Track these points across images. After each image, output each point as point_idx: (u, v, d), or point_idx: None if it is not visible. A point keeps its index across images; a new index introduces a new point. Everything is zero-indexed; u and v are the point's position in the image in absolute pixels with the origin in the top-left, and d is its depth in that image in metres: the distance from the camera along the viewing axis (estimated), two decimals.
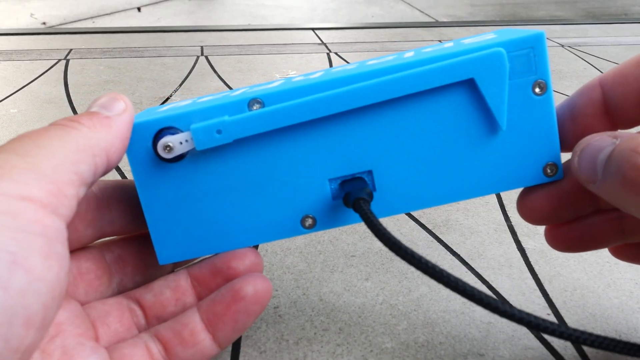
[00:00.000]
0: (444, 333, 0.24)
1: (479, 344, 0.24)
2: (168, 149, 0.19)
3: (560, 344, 0.24)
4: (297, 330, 0.24)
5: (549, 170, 0.21)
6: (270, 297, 0.20)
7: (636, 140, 0.17)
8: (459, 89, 0.20)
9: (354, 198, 0.20)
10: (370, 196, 0.20)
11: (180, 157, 0.20)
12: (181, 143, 0.19)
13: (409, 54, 0.21)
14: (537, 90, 0.20)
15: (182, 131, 0.19)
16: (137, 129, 0.19)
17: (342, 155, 0.20)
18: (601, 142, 0.18)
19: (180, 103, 0.22)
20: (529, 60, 0.20)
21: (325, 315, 0.25)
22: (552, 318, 0.25)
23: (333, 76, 0.20)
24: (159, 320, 0.21)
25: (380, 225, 0.18)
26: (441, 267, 0.18)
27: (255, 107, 0.20)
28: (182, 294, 0.21)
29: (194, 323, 0.20)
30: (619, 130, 0.18)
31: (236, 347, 0.23)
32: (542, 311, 0.26)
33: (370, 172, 0.21)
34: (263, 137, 0.20)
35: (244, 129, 0.19)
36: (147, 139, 0.20)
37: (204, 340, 0.19)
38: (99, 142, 0.17)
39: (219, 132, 0.19)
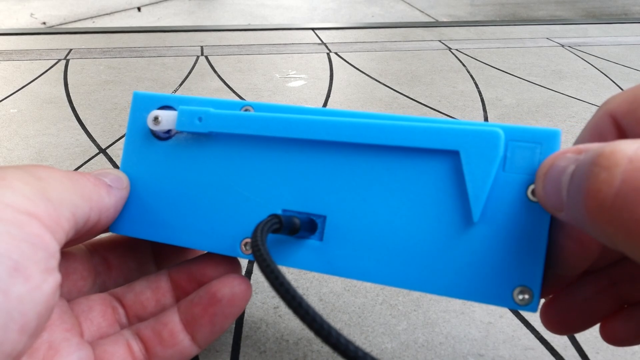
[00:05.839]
0: (444, 333, 0.24)
1: (479, 344, 0.24)
2: (156, 120, 0.21)
3: (560, 344, 0.24)
4: (297, 330, 0.24)
5: (519, 297, 0.17)
6: (248, 298, 0.20)
7: (597, 151, 0.13)
8: (441, 159, 0.18)
9: (261, 222, 0.17)
10: (281, 224, 0.18)
11: (166, 138, 0.21)
12: (168, 120, 0.21)
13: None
14: (532, 194, 0.17)
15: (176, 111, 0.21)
16: (143, 99, 0.22)
17: (304, 189, 0.20)
18: (564, 160, 0.15)
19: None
20: (533, 157, 0.17)
21: (325, 315, 0.25)
22: None
23: (329, 110, 0.20)
24: (139, 319, 0.21)
25: (270, 259, 0.16)
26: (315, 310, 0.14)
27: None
28: (163, 295, 0.21)
29: (174, 323, 0.20)
30: (587, 144, 0.15)
31: (236, 347, 0.23)
32: None
33: (324, 219, 0.19)
34: (238, 145, 0.20)
35: (221, 124, 0.20)
36: (149, 110, 0.21)
37: (183, 340, 0.20)
38: (98, 200, 0.19)
39: (200, 119, 0.20)
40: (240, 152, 0.20)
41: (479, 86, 0.60)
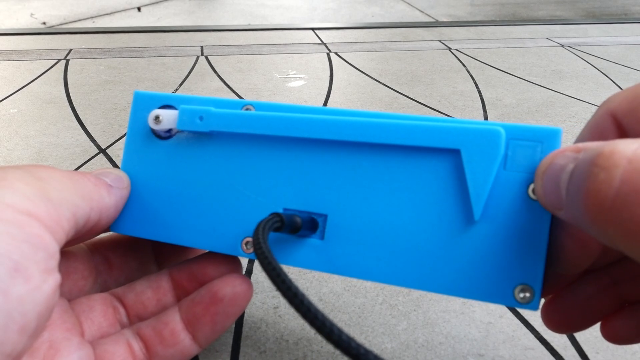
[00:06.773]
0: (444, 333, 0.24)
1: (478, 344, 0.24)
2: (157, 119, 0.21)
3: (560, 344, 0.24)
4: (297, 330, 0.24)
5: (520, 295, 0.17)
6: (250, 298, 0.20)
7: (597, 150, 0.13)
8: (443, 158, 0.18)
9: (262, 221, 0.17)
10: (283, 222, 0.18)
11: (167, 137, 0.21)
12: (169, 119, 0.21)
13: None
14: (532, 193, 0.17)
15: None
16: (144, 98, 0.22)
17: (305, 188, 0.20)
18: (563, 158, 0.15)
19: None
20: (534, 156, 0.17)
21: None
22: None
23: (330, 109, 0.20)
24: (140, 319, 0.21)
25: (272, 258, 0.16)
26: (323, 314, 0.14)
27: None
28: (163, 295, 0.21)
29: (175, 323, 0.20)
30: (586, 142, 0.15)
31: (236, 347, 0.23)
32: None
33: (325, 217, 0.19)
34: (239, 144, 0.20)
35: (222, 123, 0.20)
36: (150, 109, 0.21)
37: (184, 340, 0.20)
38: (99, 200, 0.19)
39: (201, 118, 0.20)
40: (241, 151, 0.20)
41: (479, 86, 0.60)
